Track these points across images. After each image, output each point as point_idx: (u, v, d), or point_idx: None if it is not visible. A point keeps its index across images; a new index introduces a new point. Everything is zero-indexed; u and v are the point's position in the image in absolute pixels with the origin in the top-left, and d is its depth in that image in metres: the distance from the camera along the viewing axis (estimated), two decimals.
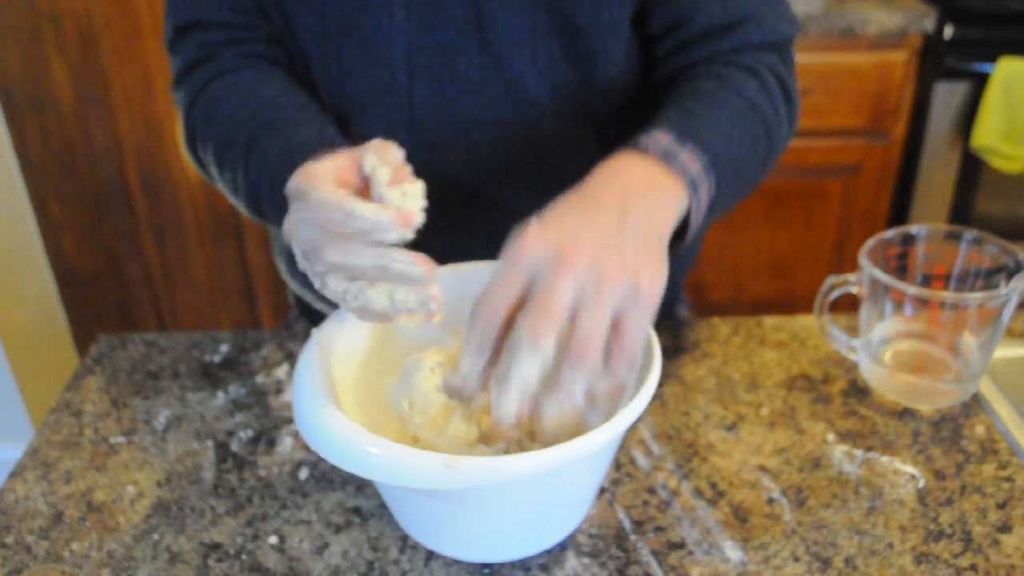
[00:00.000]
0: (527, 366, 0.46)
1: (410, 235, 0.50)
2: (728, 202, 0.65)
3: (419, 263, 0.49)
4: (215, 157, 0.69)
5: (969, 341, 0.68)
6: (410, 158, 0.71)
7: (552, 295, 0.46)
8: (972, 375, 0.70)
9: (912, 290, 0.65)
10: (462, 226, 0.74)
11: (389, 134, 0.70)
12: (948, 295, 0.69)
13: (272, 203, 0.64)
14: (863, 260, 0.68)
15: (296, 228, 0.52)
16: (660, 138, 0.58)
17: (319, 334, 0.57)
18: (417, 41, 0.69)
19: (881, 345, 0.72)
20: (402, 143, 0.71)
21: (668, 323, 0.81)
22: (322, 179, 0.52)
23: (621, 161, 0.56)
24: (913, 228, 0.72)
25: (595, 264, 0.47)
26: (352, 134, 0.72)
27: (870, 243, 0.70)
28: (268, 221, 0.68)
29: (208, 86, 0.71)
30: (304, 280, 0.84)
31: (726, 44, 0.69)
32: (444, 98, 0.71)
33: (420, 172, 0.70)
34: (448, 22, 0.68)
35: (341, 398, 0.55)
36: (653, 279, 0.49)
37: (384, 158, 0.53)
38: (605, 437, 0.48)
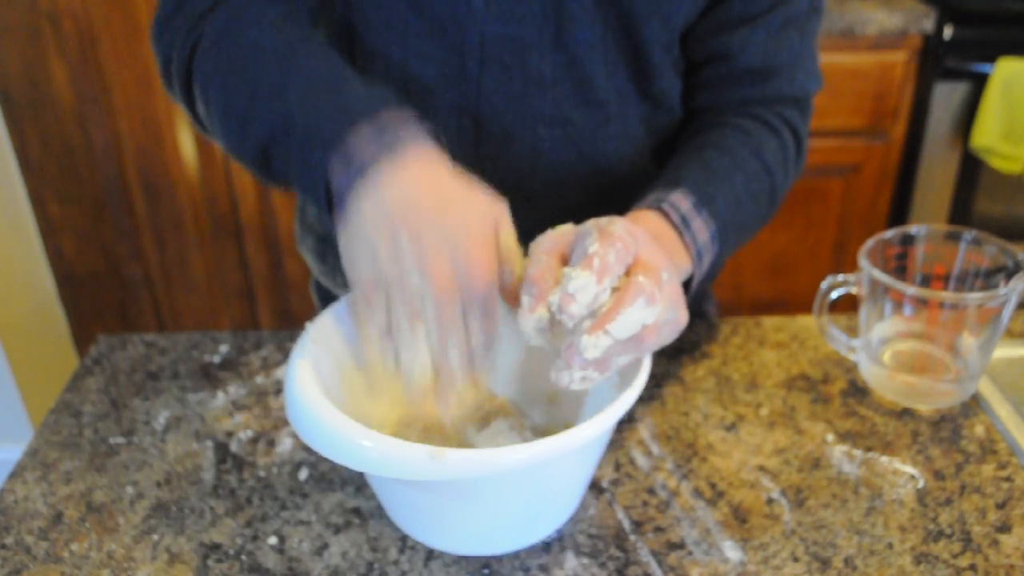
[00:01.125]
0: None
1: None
2: (725, 259, 0.69)
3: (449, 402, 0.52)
4: (221, 80, 0.61)
5: (968, 341, 0.68)
6: (473, 149, 0.71)
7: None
8: (971, 375, 0.70)
9: (911, 290, 0.65)
10: (516, 219, 0.74)
11: (455, 120, 0.71)
12: (947, 295, 0.69)
13: (299, 145, 0.56)
14: (862, 260, 0.68)
15: (449, 301, 0.50)
16: (680, 202, 0.63)
17: (312, 327, 0.58)
18: (492, 31, 0.68)
19: (880, 345, 0.72)
20: (466, 131, 0.71)
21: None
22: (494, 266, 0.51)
23: (642, 219, 0.62)
24: (912, 228, 0.72)
25: None
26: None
27: (869, 243, 0.70)
28: (271, 165, 0.60)
29: (217, 9, 0.64)
30: (335, 264, 0.82)
31: (759, 92, 0.74)
32: (513, 91, 0.70)
33: (482, 164, 0.71)
34: (526, 16, 0.68)
35: (335, 390, 0.55)
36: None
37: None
38: (592, 432, 0.48)
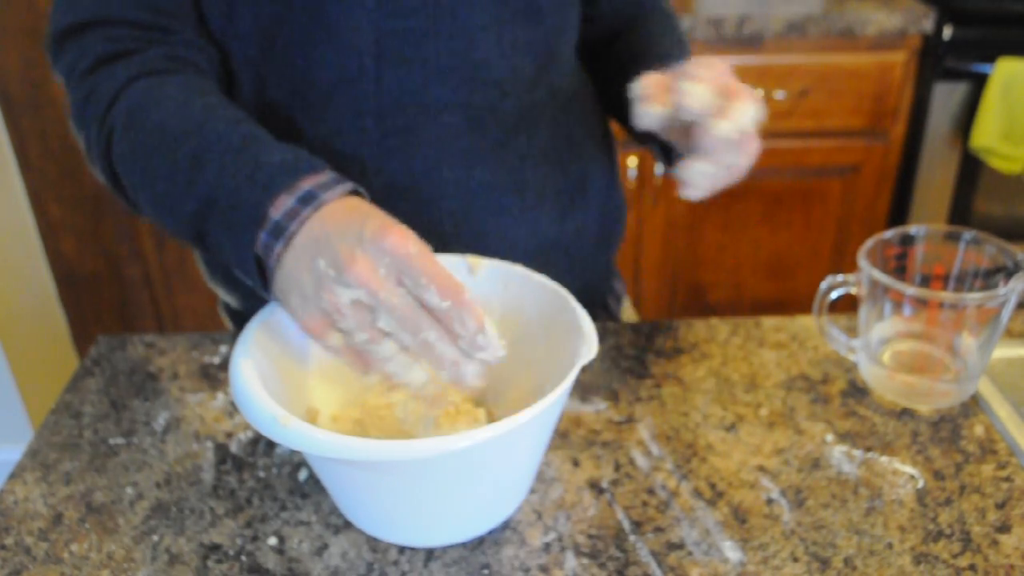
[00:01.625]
0: None
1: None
2: None
3: (479, 378, 0.53)
4: (140, 166, 0.63)
5: (968, 341, 0.68)
6: (378, 144, 0.73)
7: None
8: (971, 375, 0.70)
9: (911, 290, 0.65)
10: (432, 205, 0.75)
11: (356, 122, 0.72)
12: (947, 295, 0.69)
13: (226, 223, 0.58)
14: (862, 260, 0.69)
15: (390, 294, 0.50)
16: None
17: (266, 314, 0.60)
18: (386, 27, 0.70)
19: (880, 345, 0.72)
20: (369, 130, 0.72)
21: (666, 323, 0.82)
22: (442, 267, 0.51)
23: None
24: (912, 228, 0.72)
25: None
26: (318, 127, 0.72)
27: (869, 243, 0.70)
28: (205, 242, 0.61)
29: (131, 86, 0.64)
30: (235, 285, 0.84)
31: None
32: (413, 84, 0.72)
33: (388, 158, 0.73)
34: (419, 7, 0.70)
35: (277, 378, 0.58)
36: None
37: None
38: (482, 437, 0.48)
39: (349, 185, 0.57)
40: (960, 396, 0.70)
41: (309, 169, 0.57)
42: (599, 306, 0.92)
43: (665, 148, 0.78)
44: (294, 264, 0.54)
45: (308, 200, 0.55)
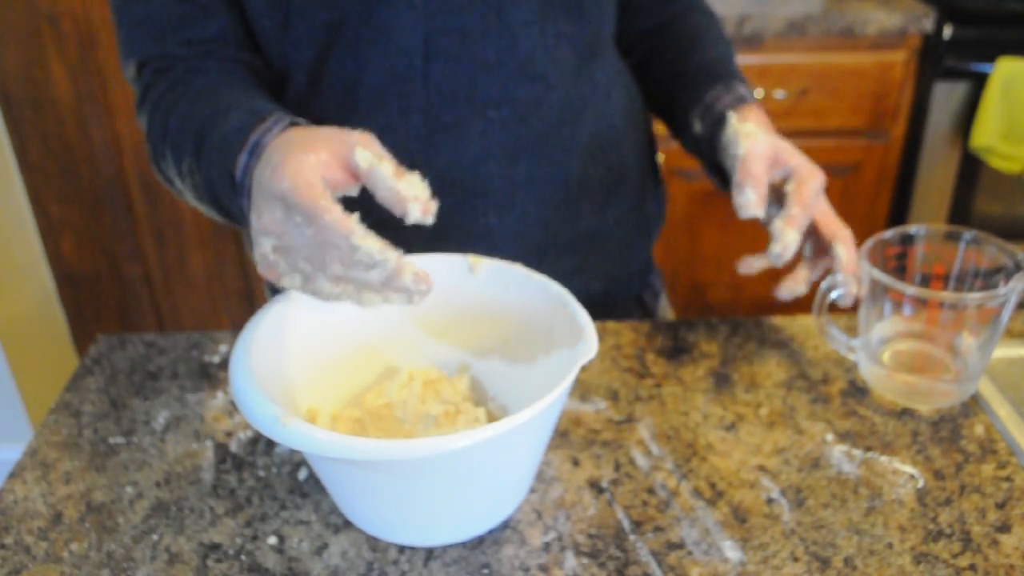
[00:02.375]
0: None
1: (431, 220, 0.52)
2: None
3: (423, 282, 0.52)
4: (175, 169, 0.70)
5: (968, 341, 0.68)
6: (425, 140, 0.75)
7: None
8: (971, 375, 0.70)
9: (911, 290, 0.65)
10: (477, 199, 0.77)
11: (404, 118, 0.74)
12: (947, 295, 0.69)
13: (232, 199, 0.64)
14: (862, 260, 0.68)
15: (286, 229, 0.52)
16: (740, 87, 0.79)
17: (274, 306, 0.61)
18: (433, 26, 0.71)
19: (880, 345, 0.72)
20: (418, 127, 0.74)
21: (666, 323, 0.82)
22: (320, 191, 0.52)
23: (751, 114, 0.76)
24: (912, 228, 0.72)
25: None
26: (367, 125, 0.73)
27: (869, 243, 0.70)
28: (234, 218, 0.68)
29: (161, 101, 0.71)
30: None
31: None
32: (461, 80, 0.73)
33: (436, 152, 0.75)
34: (466, 5, 0.71)
35: (289, 373, 0.59)
36: None
37: (376, 152, 0.54)
38: (469, 441, 0.48)
39: (286, 120, 0.60)
40: (960, 396, 0.70)
41: (256, 121, 0.61)
42: (633, 301, 0.93)
43: (719, 170, 0.82)
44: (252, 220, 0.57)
45: (254, 151, 0.59)
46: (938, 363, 0.71)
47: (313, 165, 0.53)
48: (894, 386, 0.71)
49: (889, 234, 0.72)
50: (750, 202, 0.68)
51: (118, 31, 0.75)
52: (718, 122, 0.78)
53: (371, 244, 0.51)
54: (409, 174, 0.53)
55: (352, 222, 0.51)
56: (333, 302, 0.56)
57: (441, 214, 0.59)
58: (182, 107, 0.69)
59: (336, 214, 0.51)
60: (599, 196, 0.82)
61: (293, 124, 0.61)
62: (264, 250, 0.55)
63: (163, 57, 0.73)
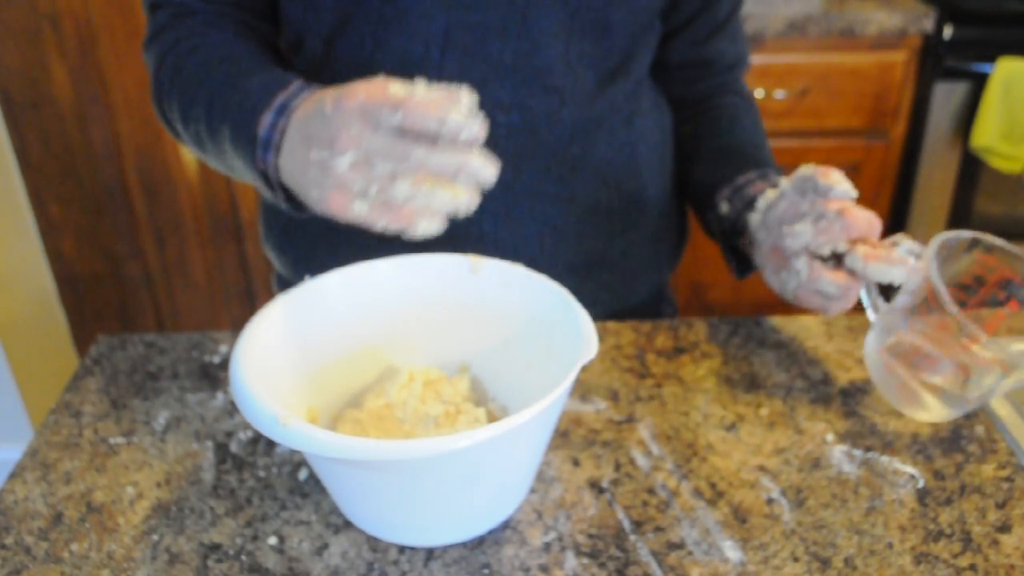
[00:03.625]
0: None
1: (483, 137, 0.54)
2: None
3: (491, 165, 0.54)
4: (180, 113, 0.71)
5: (983, 373, 0.64)
6: None
7: None
8: (963, 403, 0.66)
9: (957, 311, 0.61)
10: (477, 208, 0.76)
11: None
12: (982, 341, 0.63)
13: (239, 151, 0.65)
14: (932, 258, 0.63)
15: (364, 136, 0.54)
16: (776, 179, 0.76)
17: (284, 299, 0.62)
18: (456, 19, 0.71)
19: (888, 334, 0.69)
20: None
21: (667, 323, 0.82)
22: (397, 87, 0.54)
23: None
24: (987, 237, 0.67)
25: None
26: None
27: (943, 238, 0.65)
28: (234, 171, 0.70)
29: (176, 47, 0.73)
30: (295, 255, 0.85)
31: (728, 77, 0.88)
32: (473, 78, 0.72)
33: None
34: (491, 4, 0.70)
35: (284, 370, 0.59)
36: None
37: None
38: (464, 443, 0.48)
39: (314, 87, 0.63)
40: (943, 416, 0.68)
41: (281, 85, 0.64)
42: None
43: (737, 254, 0.81)
44: (292, 166, 0.60)
45: (282, 111, 0.62)
46: (941, 373, 0.67)
47: (372, 82, 0.55)
48: (890, 380, 0.69)
49: (964, 235, 0.67)
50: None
51: None
52: (747, 205, 0.76)
53: (457, 110, 0.52)
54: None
55: (435, 92, 0.53)
56: (403, 220, 0.55)
57: None
58: (198, 56, 0.70)
59: (421, 89, 0.53)
60: (607, 223, 0.80)
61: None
62: (339, 171, 0.55)
63: (181, 4, 0.75)
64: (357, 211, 0.56)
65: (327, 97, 0.57)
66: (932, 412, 0.68)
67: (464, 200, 0.55)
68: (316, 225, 0.82)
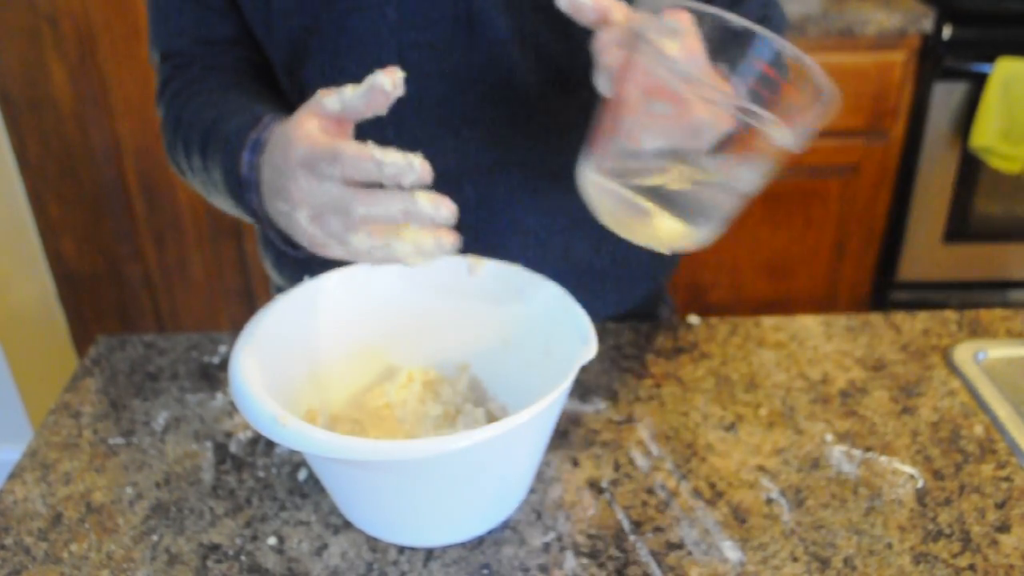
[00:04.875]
0: None
1: (428, 179, 0.53)
2: None
3: (443, 204, 0.53)
4: (186, 163, 0.73)
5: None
6: None
7: None
8: (702, 198, 0.54)
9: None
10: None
11: (378, 132, 0.72)
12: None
13: (232, 196, 0.66)
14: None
15: (312, 191, 0.54)
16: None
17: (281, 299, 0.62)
18: (407, 39, 0.70)
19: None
20: (390, 140, 0.73)
21: (666, 323, 0.82)
22: (331, 135, 0.54)
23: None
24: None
25: None
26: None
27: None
28: (247, 212, 0.69)
29: (177, 98, 0.75)
30: (292, 274, 0.85)
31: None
32: (434, 97, 0.71)
33: None
34: (438, 20, 0.69)
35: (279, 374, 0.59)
36: None
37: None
38: (466, 442, 0.48)
39: (281, 117, 0.62)
40: (690, 234, 0.55)
41: (252, 124, 0.63)
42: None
43: None
44: (272, 211, 0.59)
45: (255, 147, 0.62)
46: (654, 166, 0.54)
47: (313, 126, 0.55)
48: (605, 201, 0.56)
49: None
50: None
51: (148, 18, 0.79)
52: None
53: (394, 155, 0.52)
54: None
55: (370, 145, 0.52)
56: (374, 264, 0.56)
57: None
58: (193, 106, 0.72)
59: (353, 144, 0.53)
60: (594, 231, 0.79)
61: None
62: (303, 226, 0.55)
63: (182, 54, 0.76)
64: (338, 254, 0.56)
65: (277, 145, 0.57)
66: (662, 227, 0.55)
67: (429, 244, 0.54)
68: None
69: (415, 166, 0.52)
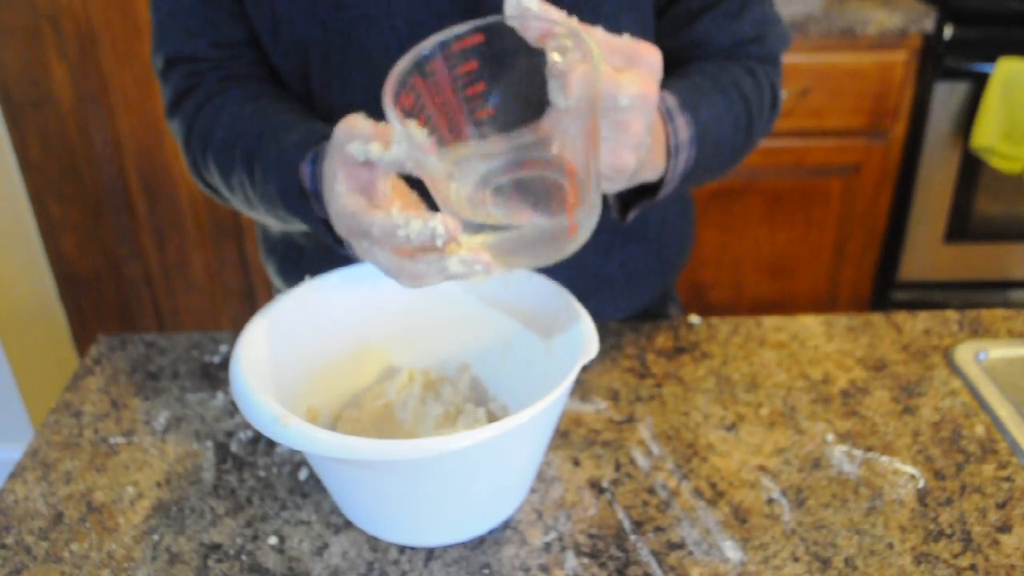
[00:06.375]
0: None
1: (456, 234, 0.51)
2: (700, 178, 0.70)
3: (479, 261, 0.51)
4: (222, 181, 0.71)
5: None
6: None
7: None
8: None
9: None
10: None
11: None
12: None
13: (289, 207, 0.65)
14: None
15: (364, 254, 0.55)
16: (666, 98, 0.64)
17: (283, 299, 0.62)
18: None
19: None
20: None
21: (666, 323, 0.82)
22: (359, 210, 0.53)
23: None
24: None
25: None
26: None
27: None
28: (291, 224, 0.69)
29: (200, 113, 0.73)
30: (296, 281, 0.85)
31: (735, 58, 0.76)
32: None
33: (415, 182, 0.73)
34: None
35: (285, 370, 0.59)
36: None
37: (360, 131, 0.54)
38: (467, 442, 0.48)
39: (327, 130, 0.62)
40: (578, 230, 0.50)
41: (316, 138, 0.63)
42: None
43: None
44: (341, 228, 0.57)
45: (316, 159, 0.62)
46: (554, 186, 0.49)
47: (342, 190, 0.55)
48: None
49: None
50: None
51: (152, 21, 0.77)
52: None
53: (416, 224, 0.51)
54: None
55: (394, 212, 0.52)
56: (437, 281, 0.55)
57: None
58: (224, 121, 0.70)
59: (379, 217, 0.52)
60: (603, 237, 0.78)
61: None
62: (372, 256, 0.56)
63: (192, 59, 0.74)
64: (416, 272, 0.56)
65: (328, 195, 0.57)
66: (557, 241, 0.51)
67: (480, 267, 0.53)
68: (313, 252, 0.81)
69: (439, 231, 0.51)
